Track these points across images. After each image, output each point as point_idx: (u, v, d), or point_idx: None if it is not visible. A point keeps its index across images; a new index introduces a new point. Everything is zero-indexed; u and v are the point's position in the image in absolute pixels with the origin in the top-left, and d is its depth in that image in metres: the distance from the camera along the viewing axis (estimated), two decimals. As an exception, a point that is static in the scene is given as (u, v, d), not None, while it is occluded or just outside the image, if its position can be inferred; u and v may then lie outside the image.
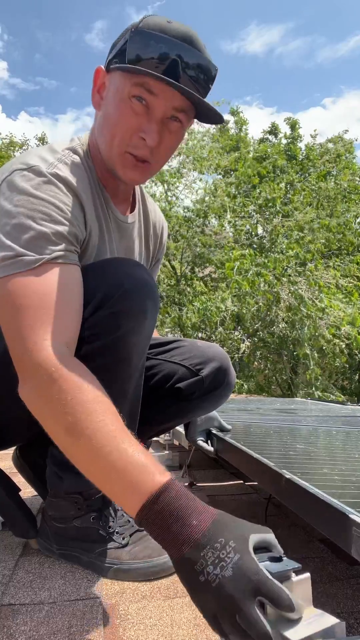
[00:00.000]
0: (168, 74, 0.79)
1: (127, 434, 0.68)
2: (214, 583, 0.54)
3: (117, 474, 0.64)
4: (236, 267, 8.56)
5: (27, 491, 1.40)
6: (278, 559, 0.61)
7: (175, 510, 0.60)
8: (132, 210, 1.05)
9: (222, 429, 1.40)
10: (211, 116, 0.87)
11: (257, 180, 11.30)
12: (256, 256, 8.93)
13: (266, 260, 8.56)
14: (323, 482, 0.82)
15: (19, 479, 1.39)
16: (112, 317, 0.84)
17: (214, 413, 1.40)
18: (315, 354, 8.68)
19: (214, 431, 1.36)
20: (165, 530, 0.59)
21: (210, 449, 1.35)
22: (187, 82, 0.81)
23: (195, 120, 0.91)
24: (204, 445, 1.36)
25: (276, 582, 0.54)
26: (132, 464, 0.64)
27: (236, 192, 11.49)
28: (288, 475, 0.83)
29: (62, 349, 0.74)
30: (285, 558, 0.63)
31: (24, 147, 15.45)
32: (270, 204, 10.65)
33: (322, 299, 8.39)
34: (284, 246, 9.59)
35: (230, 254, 9.38)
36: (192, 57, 0.81)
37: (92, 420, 0.67)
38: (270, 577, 0.55)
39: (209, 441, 1.38)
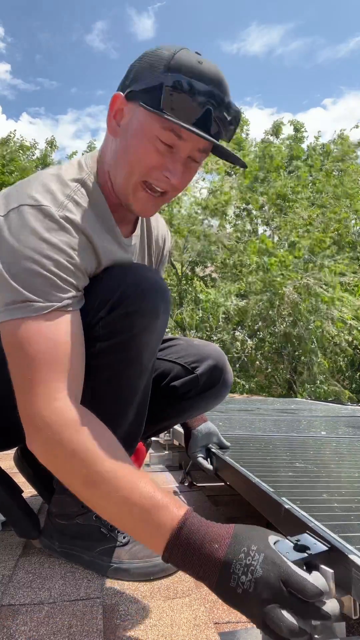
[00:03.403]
0: (200, 122, 0.79)
1: (139, 475, 0.71)
2: (251, 589, 0.58)
3: (135, 519, 0.68)
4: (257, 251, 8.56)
5: (27, 491, 1.40)
6: (303, 548, 0.64)
7: (197, 541, 0.64)
8: (134, 229, 1.04)
9: (221, 445, 1.39)
10: (230, 158, 0.87)
11: (259, 175, 11.30)
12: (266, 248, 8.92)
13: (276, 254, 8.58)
14: (323, 512, 0.82)
15: (19, 479, 1.39)
16: (127, 316, 0.86)
17: (214, 429, 1.39)
18: (318, 352, 8.70)
19: (213, 449, 1.34)
20: (193, 564, 0.63)
21: (210, 467, 1.34)
22: (214, 127, 0.81)
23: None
24: (204, 462, 1.35)
25: (299, 573, 0.58)
26: (150, 505, 0.67)
27: (243, 187, 11.49)
28: (287, 505, 0.83)
29: (71, 404, 0.75)
30: (312, 544, 0.64)
31: (31, 151, 15.56)
32: (279, 199, 10.66)
33: (335, 285, 8.41)
34: (294, 238, 9.59)
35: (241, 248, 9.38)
36: (223, 104, 0.81)
37: (105, 470, 0.70)
38: (293, 567, 0.58)
39: (208, 459, 1.36)
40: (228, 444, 1.41)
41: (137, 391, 0.95)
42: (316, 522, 0.74)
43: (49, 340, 0.76)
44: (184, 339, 1.24)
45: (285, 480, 1.06)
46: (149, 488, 0.69)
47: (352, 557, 0.61)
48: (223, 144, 0.84)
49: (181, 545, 0.64)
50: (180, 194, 11.64)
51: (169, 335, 1.36)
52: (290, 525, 0.79)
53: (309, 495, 0.94)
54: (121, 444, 0.80)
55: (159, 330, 0.92)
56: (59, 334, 0.77)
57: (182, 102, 0.78)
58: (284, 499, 0.87)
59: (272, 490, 0.93)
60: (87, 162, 0.93)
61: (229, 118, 0.83)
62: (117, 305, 0.86)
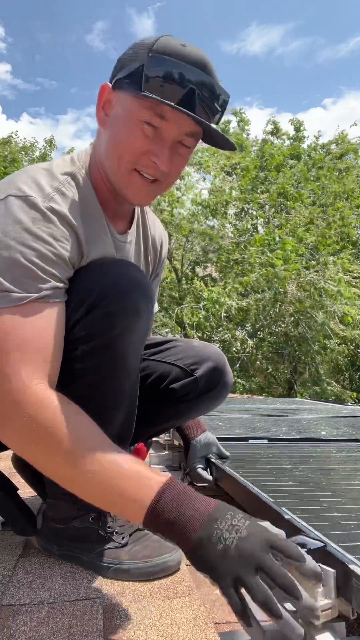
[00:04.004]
0: (184, 102, 0.78)
1: (115, 449, 0.72)
2: (232, 545, 0.59)
3: (114, 492, 0.69)
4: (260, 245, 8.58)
5: (26, 491, 1.40)
6: (300, 545, 0.66)
7: (182, 499, 0.66)
8: (129, 227, 1.03)
9: (221, 455, 1.38)
10: (222, 143, 0.86)
11: (261, 175, 11.30)
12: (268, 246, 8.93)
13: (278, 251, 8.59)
14: (323, 522, 0.82)
15: (17, 480, 1.39)
16: (106, 316, 0.84)
17: (213, 439, 1.38)
18: (322, 352, 8.71)
19: (212, 459, 1.33)
20: (178, 520, 0.64)
21: (209, 477, 1.33)
22: (200, 109, 0.81)
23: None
24: (203, 474, 1.34)
25: (285, 539, 0.60)
26: (128, 477, 0.69)
27: (243, 187, 11.49)
28: (287, 515, 0.83)
29: (43, 389, 0.75)
30: (308, 542, 0.65)
31: (31, 150, 15.60)
32: (281, 197, 10.66)
33: (340, 280, 8.43)
34: (298, 235, 9.59)
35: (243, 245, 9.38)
36: (207, 85, 0.80)
37: (85, 453, 0.70)
38: (278, 534, 0.61)
39: (208, 469, 1.35)
40: (227, 453, 1.40)
41: (124, 393, 0.93)
42: (317, 532, 0.75)
43: (24, 331, 0.76)
44: (182, 340, 1.23)
45: (285, 490, 1.06)
46: (125, 459, 0.71)
47: (352, 566, 0.61)
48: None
49: (172, 497, 0.66)
50: (180, 196, 11.69)
51: (168, 337, 1.36)
52: (291, 535, 0.79)
53: (309, 504, 0.94)
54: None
55: (142, 329, 0.90)
56: (34, 325, 0.77)
57: (163, 82, 0.78)
58: (284, 509, 0.87)
59: (272, 500, 0.93)
60: (79, 157, 0.93)
61: (214, 99, 0.82)
62: (95, 306, 0.84)
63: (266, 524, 0.64)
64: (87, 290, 0.84)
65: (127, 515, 0.70)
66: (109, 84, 0.86)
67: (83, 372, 0.87)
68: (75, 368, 0.85)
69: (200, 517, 0.63)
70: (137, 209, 1.07)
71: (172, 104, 0.76)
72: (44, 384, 0.75)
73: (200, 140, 0.89)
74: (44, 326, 0.78)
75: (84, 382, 0.87)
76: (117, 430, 0.94)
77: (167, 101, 0.76)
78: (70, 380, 0.84)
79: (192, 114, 0.77)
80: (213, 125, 0.82)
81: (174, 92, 0.78)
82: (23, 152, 15.54)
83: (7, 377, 0.74)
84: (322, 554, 0.67)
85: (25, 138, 17.00)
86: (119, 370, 0.90)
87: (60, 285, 0.82)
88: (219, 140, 0.86)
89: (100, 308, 0.84)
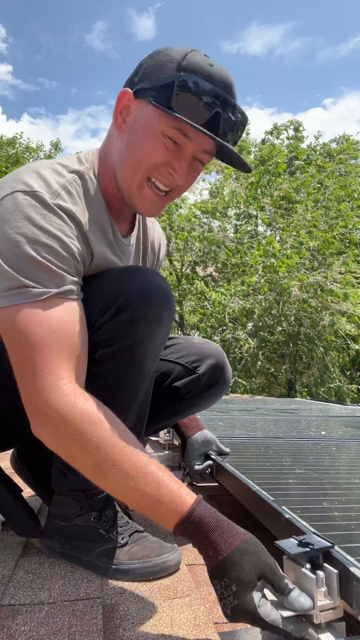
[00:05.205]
0: (210, 124, 0.80)
1: (149, 460, 0.74)
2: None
3: (150, 499, 0.71)
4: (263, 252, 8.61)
5: (26, 491, 1.40)
6: (306, 544, 0.66)
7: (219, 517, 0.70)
8: (131, 230, 1.04)
9: (220, 452, 1.37)
10: (236, 163, 0.87)
11: (263, 181, 11.30)
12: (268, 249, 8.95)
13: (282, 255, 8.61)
14: (323, 522, 0.82)
15: (18, 480, 1.39)
16: (131, 322, 0.86)
17: (211, 436, 1.38)
18: (330, 351, 8.71)
19: (212, 455, 1.33)
20: (198, 543, 0.69)
21: (204, 467, 1.33)
22: (222, 133, 0.82)
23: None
24: (199, 469, 1.33)
25: (271, 625, 0.62)
26: (165, 490, 0.71)
27: (244, 192, 11.49)
28: (287, 515, 0.83)
29: (75, 388, 0.76)
30: (317, 542, 0.65)
31: (37, 153, 15.66)
32: (283, 201, 10.67)
33: (349, 282, 8.46)
34: (302, 239, 9.61)
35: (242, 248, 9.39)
36: (231, 109, 0.82)
37: (118, 454, 0.72)
38: (265, 621, 0.62)
39: (202, 465, 1.34)
40: (227, 449, 1.39)
41: (138, 397, 0.95)
42: (317, 532, 0.74)
43: (49, 326, 0.76)
44: (183, 337, 1.24)
45: (285, 488, 1.05)
46: (162, 472, 0.73)
47: (352, 569, 0.61)
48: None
49: (195, 525, 0.69)
50: (181, 198, 11.68)
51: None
52: (291, 535, 0.79)
53: (309, 503, 0.94)
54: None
55: (162, 336, 0.92)
56: (58, 320, 0.77)
57: (192, 103, 0.79)
58: (284, 507, 0.86)
59: (272, 499, 0.92)
60: (87, 157, 0.93)
61: (236, 122, 0.83)
62: (121, 310, 0.85)
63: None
64: (111, 295, 0.85)
65: (160, 513, 0.72)
66: (130, 90, 0.86)
67: (99, 375, 0.87)
68: (92, 371, 0.85)
69: (243, 534, 0.68)
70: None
71: (202, 129, 0.78)
72: (73, 383, 0.76)
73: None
74: (68, 321, 0.78)
75: (99, 384, 0.87)
76: None
77: (195, 125, 0.78)
78: (87, 383, 0.84)
79: (218, 138, 0.79)
80: (232, 147, 0.84)
81: (202, 113, 0.79)
82: (27, 152, 15.58)
83: (35, 374, 0.74)
84: (325, 555, 0.67)
85: (29, 138, 17.09)
86: (136, 375, 0.91)
87: (76, 280, 0.82)
88: (236, 162, 0.87)
89: (126, 313, 0.85)
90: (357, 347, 9.12)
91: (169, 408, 1.18)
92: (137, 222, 1.05)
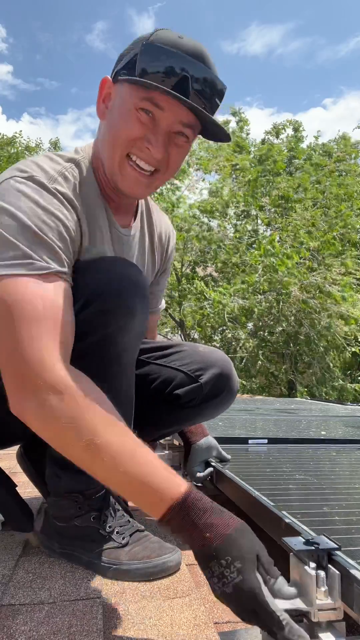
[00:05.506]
0: (177, 89, 0.78)
1: (141, 443, 0.71)
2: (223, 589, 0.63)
3: (141, 483, 0.68)
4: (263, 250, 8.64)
5: (27, 491, 1.40)
6: (312, 543, 0.66)
7: (208, 502, 0.68)
8: (134, 221, 1.03)
9: (221, 459, 1.37)
10: (217, 133, 0.86)
11: (262, 180, 11.29)
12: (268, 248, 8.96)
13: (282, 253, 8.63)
14: (324, 526, 0.81)
15: (19, 479, 1.39)
16: (100, 315, 0.83)
17: (214, 442, 1.37)
18: (330, 351, 8.72)
19: (213, 462, 1.33)
20: (193, 526, 0.66)
21: (205, 475, 1.32)
22: (195, 99, 0.81)
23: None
24: (201, 476, 1.32)
25: (270, 607, 0.59)
26: (155, 473, 0.69)
27: (243, 190, 11.49)
28: (288, 519, 0.82)
29: (67, 365, 0.73)
30: (322, 542, 0.67)
31: (36, 152, 15.69)
32: (282, 200, 10.67)
33: (348, 284, 8.48)
34: (302, 239, 9.62)
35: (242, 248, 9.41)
36: (202, 74, 0.80)
37: (110, 434, 0.70)
38: (266, 601, 0.59)
39: (204, 472, 1.34)
40: (228, 456, 1.39)
41: (119, 392, 0.91)
42: (326, 535, 0.74)
43: (46, 301, 0.75)
44: (188, 344, 1.22)
45: (285, 493, 1.05)
46: (153, 457, 0.70)
47: (353, 571, 0.61)
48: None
49: (200, 496, 0.67)
50: (180, 196, 11.68)
51: (174, 341, 1.35)
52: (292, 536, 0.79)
53: (310, 508, 0.94)
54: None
55: (137, 328, 0.89)
56: (56, 298, 0.76)
57: (157, 68, 0.79)
58: (284, 512, 0.86)
59: (272, 504, 0.92)
60: (83, 149, 0.95)
61: (209, 89, 0.82)
62: (89, 303, 0.83)
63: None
64: (81, 288, 0.83)
65: (149, 503, 0.69)
66: (109, 77, 0.88)
67: None
68: None
69: (236, 518, 0.67)
70: (141, 204, 1.07)
71: (163, 87, 0.77)
72: (62, 358, 0.73)
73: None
74: (62, 300, 0.77)
75: None
76: None
77: (159, 85, 0.77)
78: None
79: (184, 98, 0.77)
80: (205, 112, 0.82)
81: (168, 80, 0.79)
82: (27, 152, 15.61)
83: (26, 347, 0.72)
84: (330, 556, 0.67)
85: (29, 137, 17.11)
86: (114, 369, 0.89)
87: (69, 263, 0.82)
88: (216, 131, 0.86)
89: (93, 306, 0.83)
90: (353, 349, 9.13)
91: (171, 415, 1.17)
92: (139, 214, 1.05)
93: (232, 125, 13.90)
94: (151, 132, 0.83)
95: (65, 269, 0.79)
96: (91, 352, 0.85)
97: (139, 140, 0.83)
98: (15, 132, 16.05)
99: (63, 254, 0.80)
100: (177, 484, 0.68)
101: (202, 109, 0.80)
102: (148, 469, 0.69)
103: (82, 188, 0.88)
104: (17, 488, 1.06)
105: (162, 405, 1.14)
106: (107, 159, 0.88)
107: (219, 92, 0.84)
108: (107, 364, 0.88)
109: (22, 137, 16.05)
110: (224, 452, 1.38)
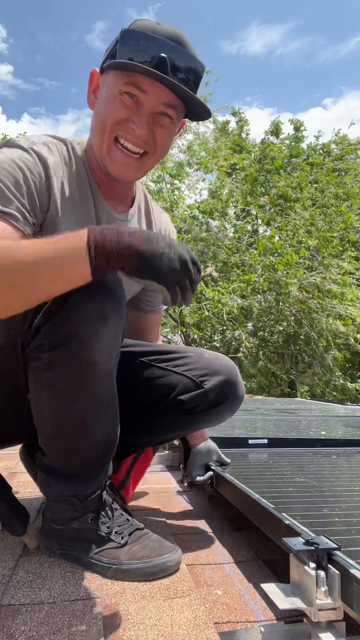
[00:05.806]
0: (156, 69, 0.83)
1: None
2: (173, 254, 0.75)
3: (54, 257, 0.72)
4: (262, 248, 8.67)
5: (27, 491, 1.40)
6: (312, 543, 0.67)
7: (114, 228, 0.74)
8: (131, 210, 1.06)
9: (221, 462, 1.36)
10: (200, 112, 0.91)
11: (260, 178, 11.29)
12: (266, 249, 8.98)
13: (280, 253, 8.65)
14: (324, 527, 0.81)
15: (20, 479, 1.39)
16: (68, 322, 0.81)
17: (214, 446, 1.36)
18: (331, 350, 8.73)
19: (212, 466, 1.32)
20: (121, 242, 0.72)
21: (206, 479, 1.31)
22: (174, 78, 0.85)
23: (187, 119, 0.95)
24: (200, 480, 1.32)
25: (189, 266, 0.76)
26: (62, 237, 0.73)
27: (242, 188, 11.48)
28: (287, 521, 0.82)
29: None
30: (322, 542, 0.67)
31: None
32: (281, 199, 10.68)
33: (345, 282, 8.50)
34: (301, 238, 9.63)
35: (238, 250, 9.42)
36: (180, 55, 0.85)
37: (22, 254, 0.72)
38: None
39: (204, 475, 1.33)
40: (228, 460, 1.38)
41: (100, 397, 0.90)
42: (325, 536, 0.74)
43: None
44: (194, 350, 1.20)
45: (286, 496, 1.05)
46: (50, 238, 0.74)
47: (352, 571, 0.61)
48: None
49: (104, 229, 0.73)
50: (179, 196, 11.66)
51: (180, 346, 1.34)
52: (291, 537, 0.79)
53: (310, 510, 0.94)
54: (99, 451, 0.87)
55: (110, 333, 0.85)
56: None
57: (134, 50, 0.84)
58: (284, 514, 0.86)
59: (272, 506, 0.92)
60: (80, 139, 1.01)
61: (187, 67, 0.87)
62: (56, 312, 0.80)
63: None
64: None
65: (75, 270, 0.73)
66: (97, 70, 0.93)
67: (52, 381, 0.85)
68: (44, 377, 0.84)
69: (139, 236, 0.73)
70: (140, 199, 1.09)
71: (142, 66, 0.82)
72: None
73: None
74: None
75: (55, 390, 0.85)
76: (100, 437, 0.92)
77: (139, 64, 0.82)
78: (41, 389, 0.84)
79: (162, 75, 0.82)
80: (188, 90, 0.86)
81: (147, 62, 0.84)
82: None
83: None
84: (330, 556, 0.67)
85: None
86: (91, 376, 0.86)
87: (24, 213, 0.84)
88: (198, 110, 0.90)
89: (61, 314, 0.80)
90: (353, 349, 9.15)
91: (174, 420, 1.15)
92: (136, 203, 1.08)
93: (232, 125, 13.92)
94: (135, 114, 0.88)
95: (10, 211, 0.81)
96: (64, 361, 0.84)
97: (124, 123, 0.88)
98: (19, 134, 16.13)
99: (15, 199, 0.82)
100: (82, 231, 0.73)
101: (181, 86, 0.84)
102: (54, 238, 0.74)
103: (65, 161, 0.93)
104: (17, 488, 1.06)
105: (166, 411, 1.13)
106: (96, 145, 0.93)
107: (197, 72, 0.88)
108: (84, 372, 0.85)
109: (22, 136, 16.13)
110: (223, 456, 1.38)
